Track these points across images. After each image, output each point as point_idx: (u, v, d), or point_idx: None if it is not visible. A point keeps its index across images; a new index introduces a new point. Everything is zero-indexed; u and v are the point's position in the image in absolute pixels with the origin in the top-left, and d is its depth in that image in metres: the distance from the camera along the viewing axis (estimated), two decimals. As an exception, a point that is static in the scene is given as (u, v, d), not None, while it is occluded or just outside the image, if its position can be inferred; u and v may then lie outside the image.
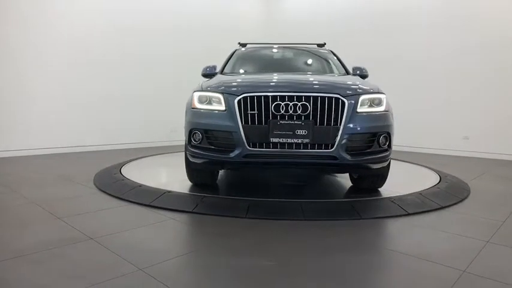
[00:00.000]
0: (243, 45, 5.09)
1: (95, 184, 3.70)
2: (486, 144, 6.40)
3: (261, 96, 2.80)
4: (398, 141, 7.06)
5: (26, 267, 1.85)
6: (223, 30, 8.10)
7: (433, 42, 6.93)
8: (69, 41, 6.08)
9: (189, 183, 3.64)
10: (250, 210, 2.81)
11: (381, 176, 3.33)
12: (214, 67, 4.12)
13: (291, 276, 1.81)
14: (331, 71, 4.15)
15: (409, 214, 2.86)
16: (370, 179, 3.39)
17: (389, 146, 3.02)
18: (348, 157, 2.77)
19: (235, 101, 2.84)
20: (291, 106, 2.75)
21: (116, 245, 2.15)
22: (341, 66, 4.23)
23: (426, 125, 7.03)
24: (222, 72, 4.14)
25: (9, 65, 5.49)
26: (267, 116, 2.78)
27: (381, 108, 3.00)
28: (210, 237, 2.36)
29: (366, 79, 3.81)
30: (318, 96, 2.77)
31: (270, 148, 2.78)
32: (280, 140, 2.74)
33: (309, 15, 8.62)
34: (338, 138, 2.74)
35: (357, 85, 3.07)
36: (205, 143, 2.98)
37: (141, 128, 6.94)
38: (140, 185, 3.48)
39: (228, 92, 2.94)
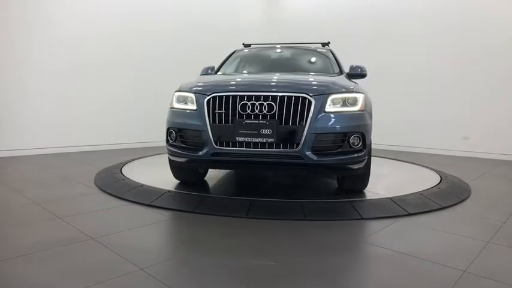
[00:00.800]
0: (247, 45, 5.08)
1: (95, 184, 3.71)
2: (486, 144, 6.40)
3: (229, 96, 2.86)
4: (399, 142, 7.17)
5: (26, 267, 1.85)
6: (224, 31, 8.10)
7: (433, 43, 6.93)
8: (69, 41, 6.07)
9: (189, 183, 3.65)
10: (250, 210, 2.81)
11: (360, 177, 3.22)
12: (212, 68, 4.16)
13: (291, 276, 1.81)
14: (327, 71, 4.06)
15: (410, 214, 2.86)
16: (349, 180, 3.32)
17: (364, 146, 2.90)
18: (314, 157, 2.73)
19: (205, 101, 2.91)
20: (257, 106, 2.77)
21: (116, 245, 2.16)
22: (337, 66, 4.15)
23: (426, 125, 7.03)
24: (216, 73, 4.17)
25: (10, 65, 5.50)
26: (233, 115, 2.82)
27: (355, 108, 2.90)
28: (210, 237, 2.36)
29: (361, 79, 3.76)
30: (284, 96, 2.77)
31: (236, 147, 2.82)
32: (246, 139, 2.77)
33: (310, 15, 8.61)
34: (303, 137, 2.72)
35: (329, 84, 2.98)
36: (179, 142, 3.08)
37: (141, 127, 6.94)
38: (141, 185, 3.48)
39: (199, 92, 3.02)
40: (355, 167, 2.96)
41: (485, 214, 2.96)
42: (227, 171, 4.33)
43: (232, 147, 2.83)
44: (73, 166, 4.79)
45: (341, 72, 4.00)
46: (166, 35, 7.32)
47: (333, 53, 4.44)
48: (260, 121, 2.76)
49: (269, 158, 2.81)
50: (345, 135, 2.81)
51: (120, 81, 6.67)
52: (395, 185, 3.89)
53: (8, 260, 1.92)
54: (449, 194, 3.46)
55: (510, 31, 6.12)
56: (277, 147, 2.76)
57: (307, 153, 2.72)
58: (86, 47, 6.26)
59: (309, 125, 2.71)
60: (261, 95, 2.80)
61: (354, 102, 2.92)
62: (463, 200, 3.36)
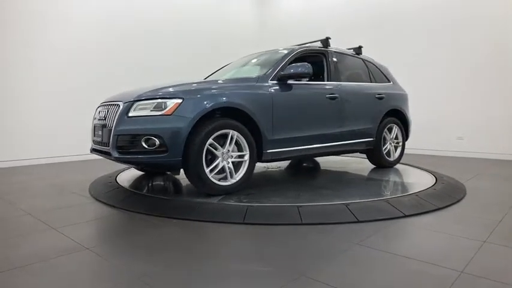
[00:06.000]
0: None
1: (90, 193, 3.68)
2: (480, 144, 6.45)
3: (99, 106, 3.68)
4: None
5: (22, 279, 1.82)
6: (225, 40, 8.16)
7: (427, 43, 6.99)
8: (66, 49, 6.08)
9: (186, 190, 3.64)
10: (247, 216, 2.80)
11: (191, 178, 3.29)
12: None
13: (289, 281, 1.80)
14: (263, 72, 3.94)
15: (406, 216, 2.86)
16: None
17: (166, 148, 3.06)
18: (117, 154, 3.20)
19: (95, 109, 3.77)
20: (101, 112, 3.53)
21: (112, 255, 2.14)
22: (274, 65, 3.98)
23: (421, 126, 7.07)
24: None
25: (6, 74, 5.47)
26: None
27: (160, 112, 3.14)
28: (207, 244, 2.35)
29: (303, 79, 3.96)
30: (110, 104, 3.42)
31: (94, 144, 3.64)
32: (95, 138, 3.60)
33: (303, 14, 8.66)
34: (111, 138, 3.22)
35: (140, 92, 3.33)
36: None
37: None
38: (135, 193, 3.46)
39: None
40: (174, 167, 3.30)
41: (480, 214, 2.98)
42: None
43: (94, 144, 3.64)
44: (67, 176, 4.75)
45: (270, 72, 3.85)
46: (164, 41, 7.37)
47: (287, 54, 4.14)
48: (98, 124, 3.52)
49: (103, 154, 3.43)
50: (140, 137, 3.13)
51: (117, 89, 6.62)
52: (391, 187, 3.90)
53: (3, 272, 1.89)
54: (444, 194, 3.48)
55: (501, 34, 6.20)
56: (104, 145, 3.38)
57: (112, 150, 3.22)
58: (84, 56, 6.29)
59: (114, 128, 3.22)
60: (105, 104, 3.52)
61: (163, 107, 3.16)
62: (458, 201, 3.38)
